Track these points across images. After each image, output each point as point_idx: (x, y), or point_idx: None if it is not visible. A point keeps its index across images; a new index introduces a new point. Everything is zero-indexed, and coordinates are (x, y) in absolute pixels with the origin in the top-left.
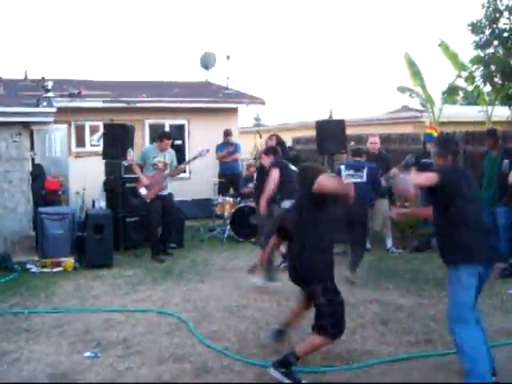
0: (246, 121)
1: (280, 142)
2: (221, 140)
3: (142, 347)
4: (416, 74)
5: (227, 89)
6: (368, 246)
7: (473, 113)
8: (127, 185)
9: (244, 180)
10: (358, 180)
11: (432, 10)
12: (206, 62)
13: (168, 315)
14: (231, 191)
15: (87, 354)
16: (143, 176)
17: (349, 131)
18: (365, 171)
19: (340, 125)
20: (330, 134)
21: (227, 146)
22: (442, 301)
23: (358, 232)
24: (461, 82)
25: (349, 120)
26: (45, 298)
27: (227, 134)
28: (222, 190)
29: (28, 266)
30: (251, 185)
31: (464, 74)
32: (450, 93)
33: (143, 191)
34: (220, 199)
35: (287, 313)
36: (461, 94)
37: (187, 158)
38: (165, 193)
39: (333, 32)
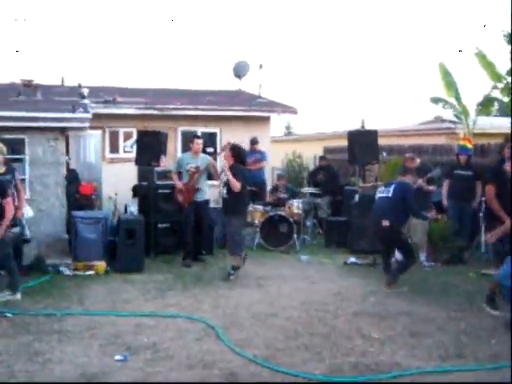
0: (277, 129)
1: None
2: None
3: (171, 352)
4: (451, 84)
5: (259, 97)
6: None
7: (508, 124)
8: (159, 191)
9: (274, 189)
10: (384, 195)
11: (468, 20)
12: (239, 71)
13: (197, 321)
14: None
15: (117, 357)
16: (179, 183)
17: (381, 142)
18: (392, 187)
19: (372, 135)
20: (362, 145)
21: (254, 154)
22: (473, 315)
23: (389, 244)
24: (496, 94)
25: (381, 130)
26: (77, 301)
27: (254, 142)
28: (249, 197)
29: (61, 268)
30: (282, 195)
31: (500, 85)
32: (485, 104)
33: (181, 198)
34: (250, 207)
35: None
36: (496, 105)
37: (219, 165)
38: (200, 199)
39: (366, 41)
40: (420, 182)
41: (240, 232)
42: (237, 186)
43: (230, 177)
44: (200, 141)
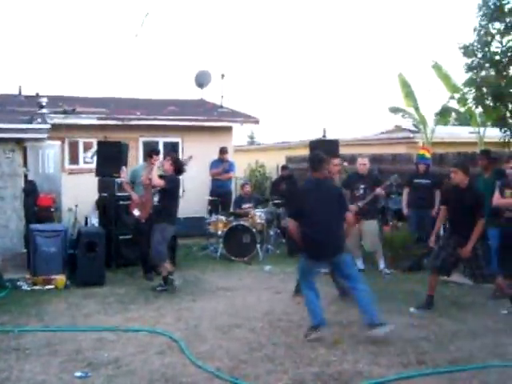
0: (240, 139)
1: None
2: (215, 158)
3: (133, 367)
4: (409, 94)
5: (222, 107)
6: (361, 266)
7: (465, 134)
8: (120, 202)
9: (238, 199)
10: None
11: (425, 32)
12: (201, 81)
13: (159, 335)
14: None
15: (78, 373)
16: (135, 194)
17: (342, 151)
18: None
19: (334, 144)
20: (325, 154)
21: (222, 164)
22: (433, 322)
23: None
24: (453, 104)
25: (342, 139)
26: (35, 317)
27: (223, 151)
28: (214, 207)
29: (19, 283)
30: (246, 205)
31: (457, 95)
32: (443, 114)
33: (137, 212)
34: (213, 218)
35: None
36: (453, 115)
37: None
38: None
39: (326, 52)
40: (378, 190)
41: (163, 243)
42: (160, 182)
43: (154, 173)
44: (158, 157)
